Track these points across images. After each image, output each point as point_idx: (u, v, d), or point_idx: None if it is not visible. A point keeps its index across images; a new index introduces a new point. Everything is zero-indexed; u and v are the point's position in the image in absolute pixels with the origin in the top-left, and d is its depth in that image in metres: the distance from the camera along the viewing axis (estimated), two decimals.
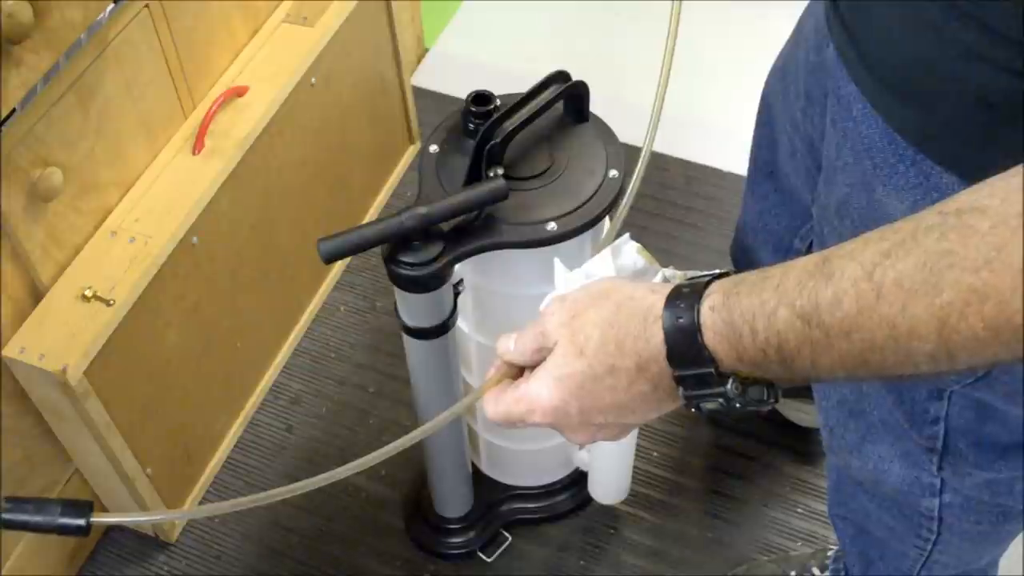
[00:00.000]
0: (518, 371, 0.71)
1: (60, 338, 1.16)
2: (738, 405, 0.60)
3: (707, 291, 0.59)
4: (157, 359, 1.32)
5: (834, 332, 0.53)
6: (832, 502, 1.11)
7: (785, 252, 1.18)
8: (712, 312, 0.58)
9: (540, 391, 0.66)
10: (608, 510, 1.48)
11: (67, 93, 1.13)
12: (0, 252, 1.12)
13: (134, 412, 1.29)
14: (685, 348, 0.59)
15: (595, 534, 1.48)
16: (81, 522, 0.71)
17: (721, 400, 0.60)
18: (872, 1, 0.73)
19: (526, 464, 1.43)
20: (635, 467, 1.40)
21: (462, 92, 1.08)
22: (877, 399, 0.89)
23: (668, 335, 0.60)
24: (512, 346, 0.70)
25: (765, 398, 0.60)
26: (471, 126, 1.06)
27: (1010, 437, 0.83)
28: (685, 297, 0.60)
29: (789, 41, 1.03)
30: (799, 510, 1.49)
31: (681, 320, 0.59)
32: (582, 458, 1.41)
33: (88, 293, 1.19)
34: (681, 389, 0.61)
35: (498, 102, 1.06)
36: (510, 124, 1.01)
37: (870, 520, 1.04)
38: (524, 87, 1.04)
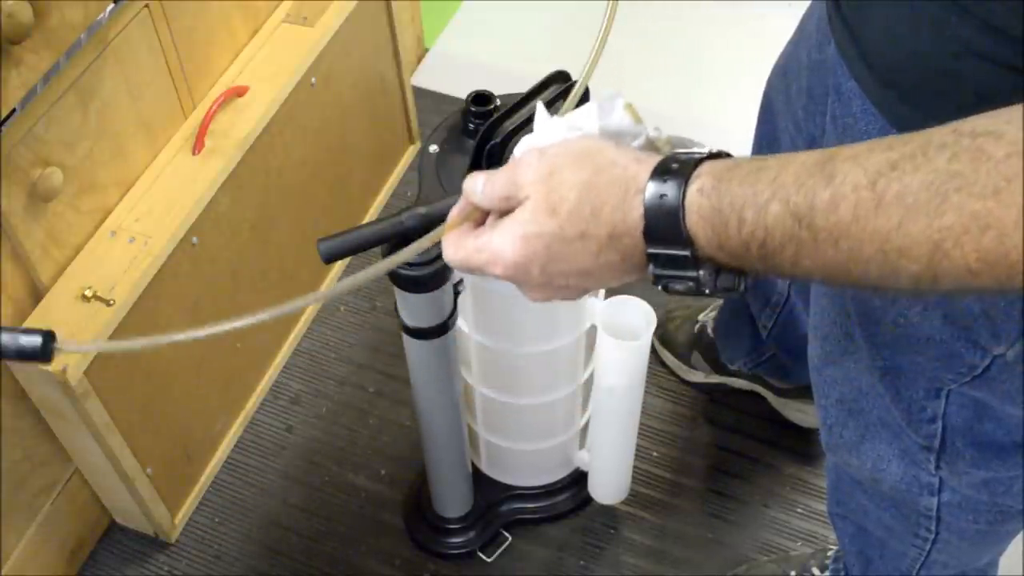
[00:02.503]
0: (483, 214, 0.68)
1: (60, 338, 1.16)
2: (707, 291, 0.58)
3: (697, 171, 0.57)
4: (157, 359, 1.32)
5: (823, 236, 0.52)
6: (831, 501, 1.11)
7: None
8: (700, 195, 0.56)
9: (503, 245, 0.63)
10: (608, 510, 1.48)
11: (67, 93, 1.13)
12: (0, 252, 1.12)
13: (134, 412, 1.29)
14: (664, 227, 0.57)
15: (595, 534, 1.48)
16: (37, 339, 0.67)
17: (691, 283, 0.58)
18: None
19: (526, 464, 1.43)
20: (635, 467, 1.40)
21: (462, 92, 1.08)
22: (875, 398, 0.89)
23: (648, 211, 0.57)
24: (480, 188, 0.66)
25: (735, 286, 0.58)
26: (471, 126, 1.06)
27: (1008, 436, 0.83)
28: (672, 174, 0.57)
29: (792, 39, 1.03)
30: (799, 510, 1.49)
31: (665, 197, 0.56)
32: (582, 458, 1.41)
33: (88, 293, 1.19)
34: (652, 266, 0.59)
35: (498, 102, 1.06)
36: (510, 124, 1.01)
37: (869, 519, 1.04)
38: (524, 87, 1.04)
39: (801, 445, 1.54)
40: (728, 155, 0.60)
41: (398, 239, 0.98)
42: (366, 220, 1.79)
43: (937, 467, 0.89)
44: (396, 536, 1.48)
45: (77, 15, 1.07)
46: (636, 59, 2.09)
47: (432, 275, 0.99)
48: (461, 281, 1.10)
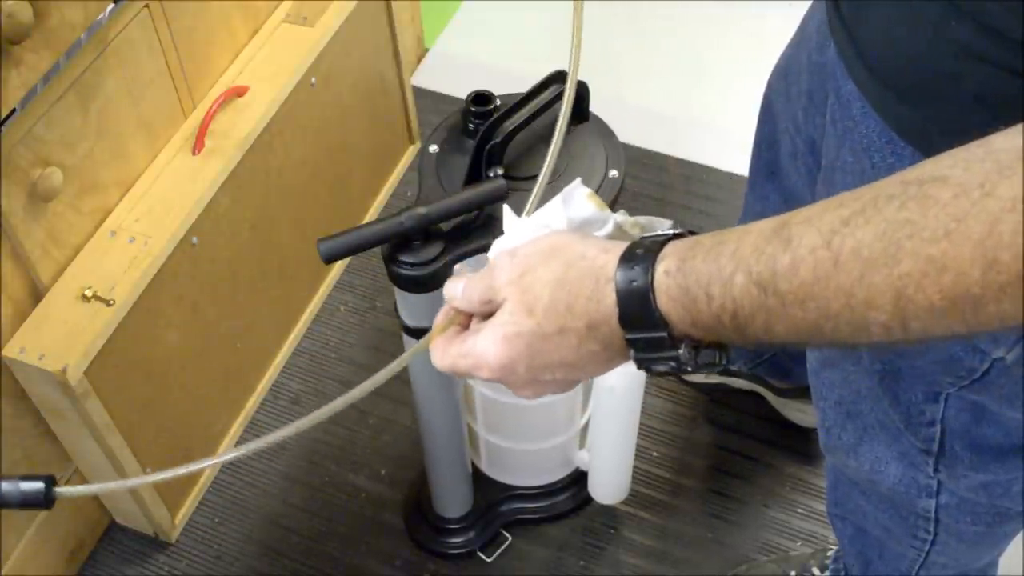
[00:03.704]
0: (467, 317, 0.69)
1: (60, 338, 1.16)
2: (690, 368, 0.59)
3: (662, 253, 0.58)
4: (157, 359, 1.32)
5: (789, 300, 0.52)
6: (830, 502, 1.11)
7: None
8: (667, 276, 0.57)
9: (487, 348, 0.64)
10: (608, 510, 1.48)
11: (67, 93, 1.13)
12: (0, 252, 1.12)
13: (134, 412, 1.29)
14: (637, 311, 0.58)
15: (595, 534, 1.48)
16: (39, 485, 0.67)
17: (672, 363, 0.59)
18: (873, 1, 0.73)
19: (526, 464, 1.43)
20: (635, 467, 1.40)
21: (462, 92, 1.08)
22: (873, 401, 0.89)
23: (620, 298, 0.58)
24: (459, 293, 0.68)
25: (717, 360, 0.59)
26: (471, 126, 1.06)
27: (1006, 439, 0.83)
28: (639, 260, 0.58)
29: (792, 41, 1.03)
30: (799, 510, 1.49)
31: (634, 283, 0.57)
32: (582, 458, 1.41)
33: (88, 293, 1.19)
34: (632, 351, 0.60)
35: (498, 102, 1.06)
36: (510, 124, 1.01)
37: (868, 520, 1.04)
38: (524, 87, 1.04)
39: (801, 445, 1.54)
40: (692, 233, 0.61)
41: (398, 239, 0.98)
42: (366, 220, 1.79)
43: (935, 470, 0.89)
44: (396, 536, 1.48)
45: (77, 15, 1.07)
46: (636, 59, 2.09)
47: (432, 275, 0.99)
48: None
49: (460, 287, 0.68)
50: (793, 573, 1.37)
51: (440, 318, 0.72)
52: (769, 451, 1.54)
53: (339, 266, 1.74)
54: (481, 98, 1.06)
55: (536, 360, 0.63)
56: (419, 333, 1.09)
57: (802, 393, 1.48)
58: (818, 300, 0.51)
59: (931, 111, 0.70)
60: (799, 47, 0.98)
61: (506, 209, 0.76)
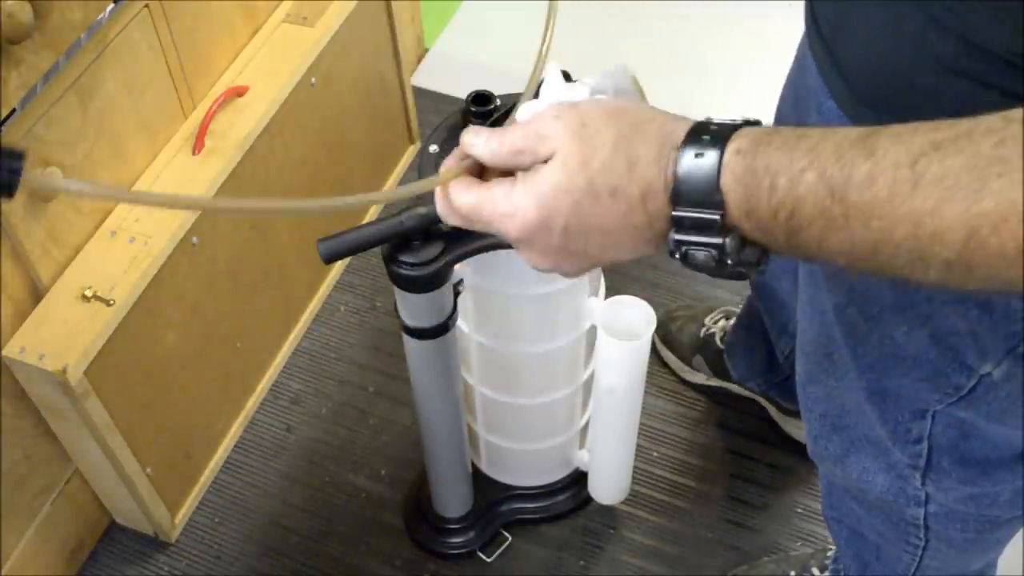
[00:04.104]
0: (477, 171, 0.64)
1: (60, 338, 1.16)
2: (730, 262, 0.55)
3: (737, 133, 0.54)
4: (157, 359, 1.32)
5: (855, 213, 0.49)
6: (825, 504, 1.11)
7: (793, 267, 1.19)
8: (737, 155, 0.53)
9: (527, 198, 0.58)
10: (608, 510, 1.48)
11: (67, 93, 1.13)
12: (0, 252, 1.12)
13: (134, 412, 1.29)
14: (699, 186, 0.54)
15: (595, 534, 1.48)
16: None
17: (715, 252, 0.55)
18: (851, 14, 0.72)
19: (526, 464, 1.43)
20: (635, 467, 1.40)
21: (462, 92, 1.08)
22: (859, 415, 0.89)
23: (684, 168, 0.54)
24: (484, 140, 0.62)
25: (757, 262, 0.56)
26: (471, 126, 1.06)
27: (995, 452, 0.82)
28: (712, 133, 0.55)
29: (792, 67, 1.01)
30: (799, 510, 1.49)
31: (702, 156, 0.54)
32: (582, 458, 1.41)
33: (88, 293, 1.19)
34: (675, 232, 0.56)
35: (498, 102, 1.06)
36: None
37: (862, 524, 1.03)
38: (524, 87, 1.03)
39: (801, 445, 1.53)
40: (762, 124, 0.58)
41: (398, 239, 0.98)
42: (366, 220, 1.78)
43: (923, 483, 0.88)
44: (396, 536, 1.48)
45: (77, 15, 1.07)
46: (638, 59, 2.08)
47: (432, 275, 0.99)
48: (461, 281, 1.10)
49: (485, 134, 0.62)
50: (793, 573, 1.37)
51: (449, 163, 0.65)
52: (769, 451, 1.54)
53: (339, 266, 1.74)
54: (481, 98, 1.05)
55: (578, 221, 0.57)
56: (419, 333, 1.09)
57: None
58: (885, 220, 0.49)
59: None
60: (800, 73, 0.97)
61: (553, 70, 0.69)
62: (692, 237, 0.55)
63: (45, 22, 1.02)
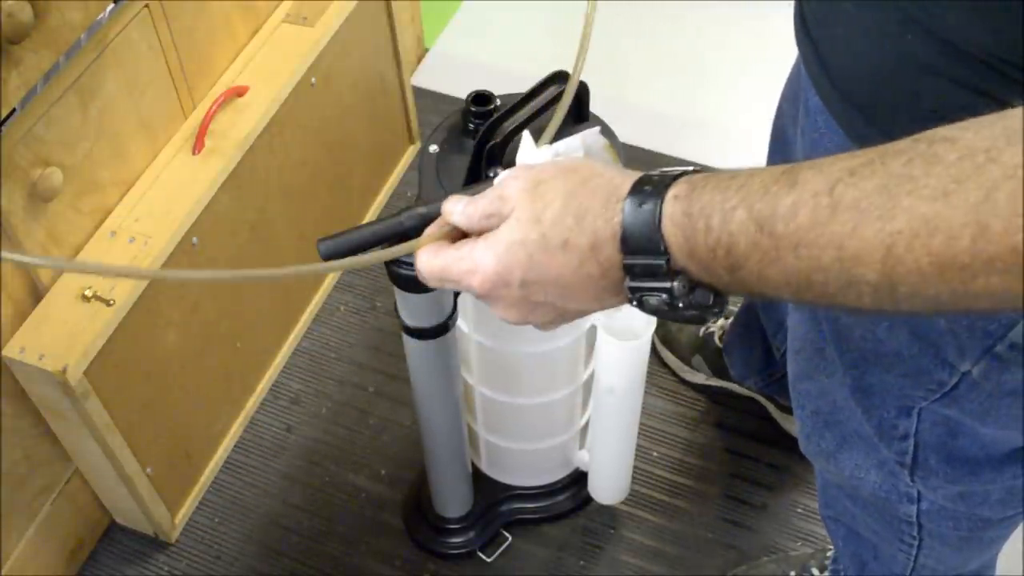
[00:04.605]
0: (459, 235, 0.68)
1: (60, 338, 1.16)
2: (681, 305, 0.58)
3: (676, 181, 0.57)
4: (157, 359, 1.32)
5: (783, 243, 0.51)
6: (821, 503, 1.11)
7: None
8: (675, 200, 0.56)
9: (486, 255, 0.62)
10: (608, 510, 1.48)
11: (67, 93, 1.13)
12: (0, 252, 1.12)
13: (134, 412, 1.29)
14: (641, 233, 0.57)
15: (595, 534, 1.48)
16: None
17: (666, 296, 0.58)
18: (835, 14, 0.73)
19: (526, 464, 1.43)
20: (635, 467, 1.40)
21: (462, 92, 1.08)
22: (849, 411, 0.89)
23: (628, 217, 0.57)
24: (461, 208, 0.67)
25: (710, 304, 0.58)
26: (471, 126, 1.06)
27: (982, 451, 0.83)
28: (653, 183, 0.58)
29: (795, 63, 1.02)
30: (799, 510, 1.49)
31: (644, 205, 0.57)
32: (582, 458, 1.41)
33: (88, 293, 1.19)
34: (628, 279, 0.59)
35: (498, 102, 1.06)
36: (510, 124, 1.01)
37: (858, 523, 1.04)
38: (524, 87, 1.03)
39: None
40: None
41: (398, 239, 0.98)
42: (366, 220, 1.79)
43: (912, 481, 0.89)
44: (396, 536, 1.48)
45: (77, 15, 1.07)
46: (638, 59, 2.09)
47: None
48: None
49: (462, 203, 0.67)
50: (793, 573, 1.37)
51: (432, 229, 0.70)
52: (769, 451, 1.54)
53: None
54: (481, 98, 1.06)
55: (533, 273, 0.61)
56: (419, 333, 1.09)
57: None
58: (811, 248, 0.50)
59: (890, 125, 0.69)
60: (798, 67, 0.98)
61: (526, 135, 0.75)
62: (644, 284, 0.58)
63: (45, 22, 1.02)
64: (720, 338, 1.54)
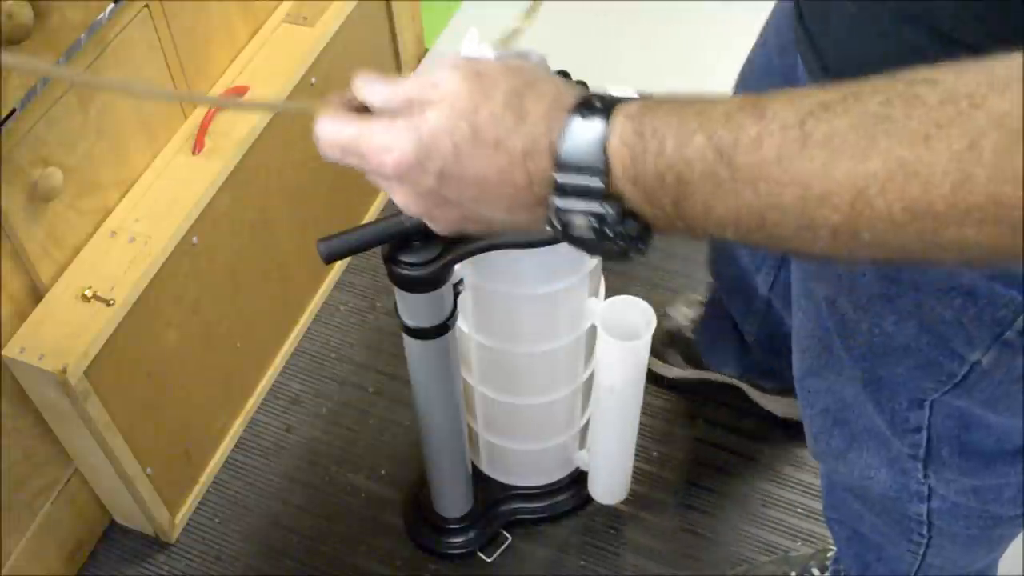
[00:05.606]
0: (362, 111, 0.62)
1: (60, 338, 1.16)
2: (609, 232, 0.53)
3: (629, 100, 0.53)
4: (157, 359, 1.32)
5: (742, 176, 0.48)
6: (826, 505, 1.11)
7: (762, 257, 1.18)
8: (626, 119, 0.51)
9: (406, 136, 0.56)
10: (608, 510, 1.48)
11: (67, 93, 1.13)
12: (0, 252, 1.12)
13: (134, 412, 1.29)
14: (583, 149, 0.52)
15: (595, 534, 1.48)
16: None
17: (593, 219, 0.53)
18: (830, 6, 0.72)
19: (526, 464, 1.43)
20: (635, 467, 1.40)
21: None
22: (859, 407, 0.88)
23: (571, 129, 0.53)
24: (376, 85, 0.61)
25: (637, 237, 0.53)
26: None
27: (996, 444, 0.82)
28: (603, 100, 0.53)
29: (756, 44, 1.02)
30: (799, 510, 1.49)
31: (590, 119, 0.52)
32: (582, 458, 1.41)
33: (88, 293, 1.19)
34: (555, 197, 0.54)
35: None
36: None
37: (863, 524, 1.03)
38: None
39: (801, 445, 1.53)
40: None
41: (398, 239, 0.98)
42: (366, 220, 1.79)
43: (925, 475, 0.88)
44: (396, 536, 1.48)
45: (77, 15, 1.07)
46: (638, 59, 2.09)
47: (432, 275, 0.99)
48: (461, 281, 1.10)
49: (380, 83, 0.61)
50: (793, 574, 1.37)
51: (337, 99, 0.64)
52: (769, 451, 1.54)
53: (339, 266, 1.74)
54: None
55: (455, 167, 0.56)
56: (419, 333, 1.09)
57: (786, 392, 1.48)
58: (771, 184, 0.47)
59: None
60: (764, 48, 0.98)
61: (472, 30, 0.70)
62: (572, 204, 0.53)
63: (45, 22, 1.02)
64: (692, 331, 1.55)
